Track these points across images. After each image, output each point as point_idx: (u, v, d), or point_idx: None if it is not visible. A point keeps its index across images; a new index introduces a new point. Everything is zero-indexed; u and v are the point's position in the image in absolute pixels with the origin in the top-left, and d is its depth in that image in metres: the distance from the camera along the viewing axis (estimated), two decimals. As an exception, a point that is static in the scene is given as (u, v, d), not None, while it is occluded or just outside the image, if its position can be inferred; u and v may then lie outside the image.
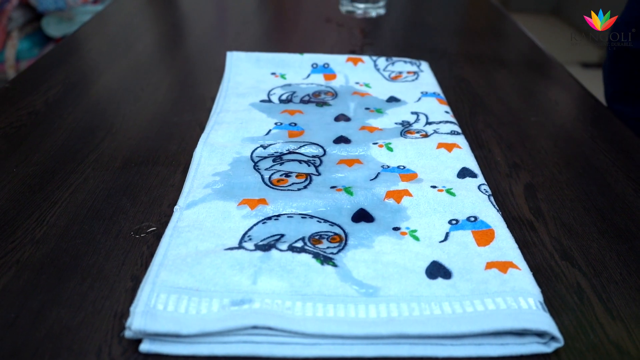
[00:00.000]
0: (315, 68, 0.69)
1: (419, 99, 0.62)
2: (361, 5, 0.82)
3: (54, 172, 0.48)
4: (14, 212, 0.43)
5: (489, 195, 0.44)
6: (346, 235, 0.40)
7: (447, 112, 0.59)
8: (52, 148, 0.52)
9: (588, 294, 0.36)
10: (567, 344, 0.32)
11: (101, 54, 0.79)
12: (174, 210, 0.41)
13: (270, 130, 0.54)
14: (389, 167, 0.48)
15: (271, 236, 0.39)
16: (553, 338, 0.31)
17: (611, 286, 0.37)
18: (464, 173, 0.47)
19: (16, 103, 0.61)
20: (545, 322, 0.31)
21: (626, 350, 0.32)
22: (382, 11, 0.83)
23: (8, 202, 0.44)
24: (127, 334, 0.31)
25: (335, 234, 0.40)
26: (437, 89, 0.65)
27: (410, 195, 0.44)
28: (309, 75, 0.68)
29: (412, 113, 0.59)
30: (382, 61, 0.71)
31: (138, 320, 0.31)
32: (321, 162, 0.49)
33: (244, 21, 0.95)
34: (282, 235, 0.39)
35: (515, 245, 0.39)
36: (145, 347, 0.31)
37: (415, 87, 0.65)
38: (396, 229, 0.40)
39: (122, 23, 0.93)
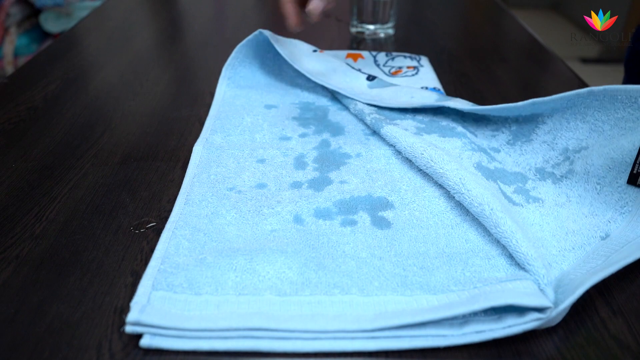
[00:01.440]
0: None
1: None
2: (370, 27, 0.82)
3: (53, 168, 0.48)
4: (13, 208, 0.43)
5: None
6: None
7: None
8: (51, 144, 0.52)
9: (589, 289, 0.36)
10: (567, 339, 0.32)
11: (100, 50, 0.78)
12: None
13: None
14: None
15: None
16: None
17: (612, 281, 0.36)
18: None
19: (15, 99, 0.61)
20: (542, 297, 0.31)
21: (627, 345, 0.32)
22: (390, 31, 0.83)
23: (7, 197, 0.44)
24: (128, 329, 0.31)
25: None
26: (437, 84, 0.65)
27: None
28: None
29: None
30: (381, 56, 0.71)
31: (135, 313, 0.31)
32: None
33: (243, 16, 0.95)
34: None
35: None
36: (145, 342, 0.31)
37: (415, 82, 0.65)
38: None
39: (120, 18, 0.93)
